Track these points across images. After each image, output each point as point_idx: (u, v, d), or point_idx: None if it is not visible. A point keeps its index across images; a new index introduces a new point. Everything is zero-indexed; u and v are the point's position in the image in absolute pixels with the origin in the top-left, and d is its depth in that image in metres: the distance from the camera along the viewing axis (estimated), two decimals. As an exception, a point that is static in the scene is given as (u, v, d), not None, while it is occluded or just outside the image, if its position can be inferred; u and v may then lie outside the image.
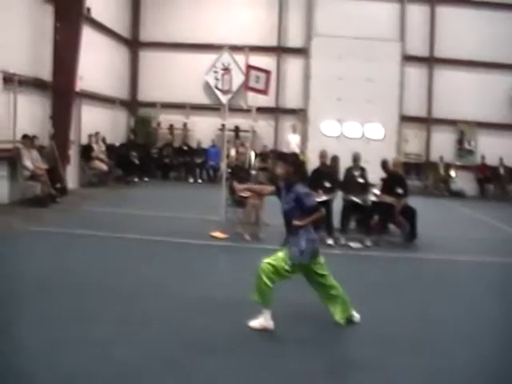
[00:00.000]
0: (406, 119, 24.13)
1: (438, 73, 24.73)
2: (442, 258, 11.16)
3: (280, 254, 6.37)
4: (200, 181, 23.08)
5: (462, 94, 23.94)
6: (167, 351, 5.58)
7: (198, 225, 12.62)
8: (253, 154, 21.43)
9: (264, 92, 14.17)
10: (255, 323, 6.32)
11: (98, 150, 19.58)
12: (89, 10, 18.84)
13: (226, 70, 22.34)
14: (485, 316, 7.42)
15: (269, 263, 6.31)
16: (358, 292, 7.36)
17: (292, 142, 23.28)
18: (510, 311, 7.75)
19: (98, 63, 20.15)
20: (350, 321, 6.65)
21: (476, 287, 9.00)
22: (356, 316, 6.72)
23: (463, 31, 24.05)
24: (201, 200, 17.19)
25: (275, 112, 24.38)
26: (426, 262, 11.00)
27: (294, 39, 24.63)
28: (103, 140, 20.29)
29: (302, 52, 24.45)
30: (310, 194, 6.57)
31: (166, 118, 24.16)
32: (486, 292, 8.73)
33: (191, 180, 23.03)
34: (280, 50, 24.56)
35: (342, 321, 6.60)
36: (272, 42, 24.44)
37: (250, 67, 14.64)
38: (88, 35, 18.03)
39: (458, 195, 23.51)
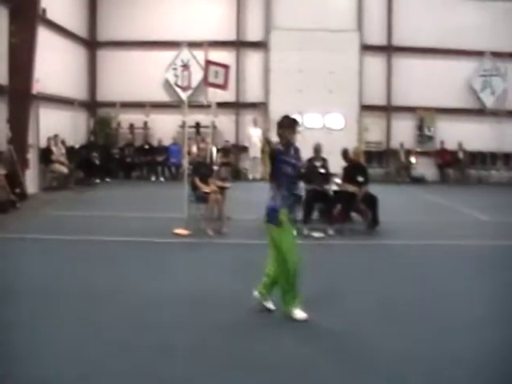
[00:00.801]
0: (366, 108, 24.31)
1: (397, 61, 24.96)
2: (404, 244, 11.32)
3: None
4: (162, 179, 22.95)
5: (421, 82, 24.20)
6: (133, 351, 5.55)
7: (161, 223, 12.57)
8: (214, 150, 21.40)
9: (223, 87, 14.11)
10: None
11: (58, 152, 19.32)
12: (44, 10, 18.58)
13: (185, 66, 22.41)
14: (452, 299, 7.54)
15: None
16: (322, 281, 7.42)
17: (253, 135, 23.34)
18: (475, 292, 7.90)
19: (55, 65, 19.85)
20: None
21: (440, 270, 9.13)
22: (271, 307, 6.73)
23: (420, 19, 24.31)
24: (163, 198, 17.12)
25: (236, 106, 24.35)
26: (389, 247, 11.14)
27: (253, 33, 24.59)
28: (63, 142, 20.03)
29: (262, 45, 24.44)
30: None
31: (126, 118, 23.92)
32: (452, 274, 8.88)
33: (153, 178, 22.90)
34: (239, 44, 24.50)
35: (256, 293, 6.69)
36: (231, 36, 24.38)
37: (208, 62, 14.56)
38: (44, 36, 17.79)
39: (419, 181, 23.84)
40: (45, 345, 5.63)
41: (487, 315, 6.86)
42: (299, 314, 6.43)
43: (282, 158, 6.54)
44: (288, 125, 6.66)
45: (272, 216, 6.48)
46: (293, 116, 6.84)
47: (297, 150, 6.73)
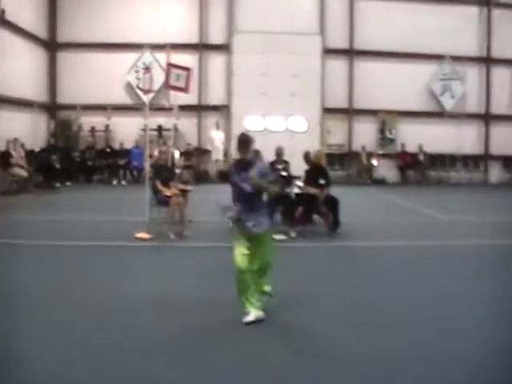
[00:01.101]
0: (328, 111, 24.48)
1: (359, 64, 25.25)
2: (365, 245, 11.42)
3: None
4: (124, 182, 22.79)
5: (383, 85, 24.51)
6: (95, 355, 5.48)
7: (122, 227, 12.44)
8: (177, 153, 21.32)
9: (185, 90, 14.07)
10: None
11: (17, 156, 19.04)
12: (3, 11, 18.34)
13: (147, 69, 22.24)
14: (413, 299, 7.63)
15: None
16: (283, 283, 7.43)
17: (216, 138, 23.33)
18: (435, 291, 7.99)
19: (14, 66, 19.59)
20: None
21: (400, 271, 9.23)
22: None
23: (382, 23, 24.64)
24: (125, 202, 16.97)
25: (198, 109, 24.31)
26: (350, 249, 11.24)
27: (216, 36, 24.62)
28: (22, 145, 19.72)
29: (224, 48, 24.45)
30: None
31: (87, 120, 23.71)
32: (412, 274, 8.98)
33: (115, 182, 22.72)
34: (202, 47, 24.50)
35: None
36: (194, 39, 24.37)
37: (170, 65, 14.52)
38: (3, 37, 17.53)
39: (381, 183, 24.14)
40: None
41: (449, 312, 6.97)
42: (248, 317, 6.48)
43: (233, 180, 6.78)
44: (241, 143, 6.79)
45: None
46: (248, 134, 6.99)
47: (251, 164, 6.72)
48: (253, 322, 6.37)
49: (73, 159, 22.79)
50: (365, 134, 25.16)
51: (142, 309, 6.96)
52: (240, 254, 6.61)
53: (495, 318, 6.83)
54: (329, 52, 24.70)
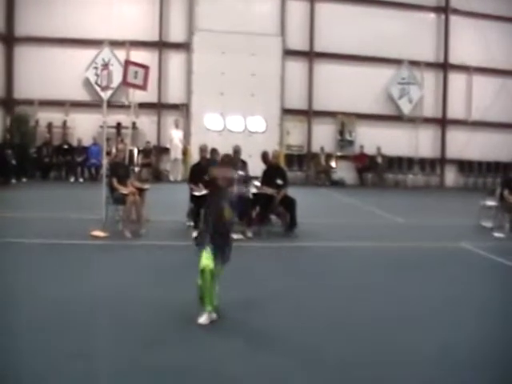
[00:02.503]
0: (287, 112, 24.64)
1: (318, 67, 25.46)
2: (321, 245, 11.51)
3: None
4: (81, 180, 22.50)
5: (342, 87, 24.80)
6: (46, 358, 5.41)
7: (78, 225, 12.29)
8: (136, 151, 21.19)
9: (142, 87, 13.93)
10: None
11: (-29, 151, 18.67)
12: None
13: (106, 65, 22.00)
14: (370, 297, 7.73)
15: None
16: (240, 283, 7.46)
17: (175, 137, 23.25)
18: (390, 290, 8.15)
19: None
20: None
21: (354, 271, 9.34)
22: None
23: (342, 26, 24.92)
24: (82, 199, 16.74)
25: (158, 107, 24.17)
26: (306, 249, 11.32)
27: (176, 34, 24.52)
28: (-24, 141, 19.35)
29: (184, 47, 24.37)
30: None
31: (44, 116, 23.33)
32: (366, 274, 9.11)
33: (72, 179, 22.38)
34: (162, 45, 24.34)
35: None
36: (154, 36, 24.19)
37: (128, 62, 14.37)
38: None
39: (339, 184, 24.38)
40: None
41: (400, 311, 7.09)
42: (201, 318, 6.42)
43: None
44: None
45: None
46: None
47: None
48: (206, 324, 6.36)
49: (29, 155, 22.37)
50: (324, 136, 25.38)
51: (95, 307, 6.89)
52: (205, 255, 6.53)
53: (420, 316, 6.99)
54: (289, 53, 24.86)
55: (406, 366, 5.46)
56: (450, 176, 27.15)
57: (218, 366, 5.35)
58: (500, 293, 8.40)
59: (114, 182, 11.67)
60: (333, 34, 25.01)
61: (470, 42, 26.36)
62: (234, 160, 6.78)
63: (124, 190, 11.52)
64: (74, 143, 23.20)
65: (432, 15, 26.71)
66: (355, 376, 5.21)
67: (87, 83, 23.56)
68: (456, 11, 26.43)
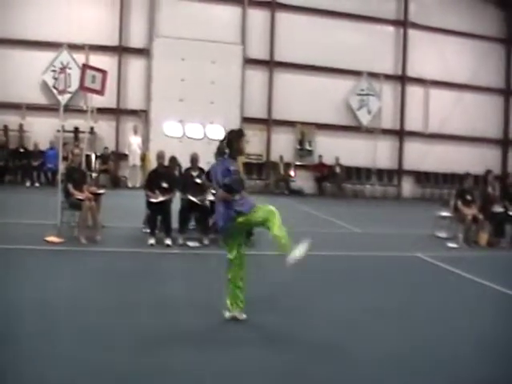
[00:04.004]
0: (247, 120, 24.61)
1: (278, 76, 25.60)
2: (277, 254, 11.47)
3: None
4: (37, 184, 22.08)
5: (302, 97, 25.01)
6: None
7: (32, 230, 12.04)
8: (93, 156, 20.92)
9: (100, 92, 13.75)
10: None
11: None
12: None
13: (63, 69, 21.74)
14: (324, 305, 7.88)
15: None
16: (195, 290, 7.41)
17: (133, 143, 23.09)
18: (345, 300, 8.26)
19: None
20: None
21: (310, 280, 9.40)
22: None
23: (303, 37, 25.16)
24: (37, 204, 16.44)
25: (116, 113, 23.93)
26: (262, 257, 11.24)
27: (136, 39, 24.33)
28: None
29: (144, 52, 24.21)
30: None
31: (0, 119, 22.87)
32: (322, 283, 9.28)
33: (28, 184, 21.94)
34: (121, 50, 24.11)
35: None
36: (113, 41, 23.96)
37: (85, 66, 14.16)
38: None
39: (298, 193, 24.47)
40: None
41: (346, 318, 7.14)
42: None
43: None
44: None
45: None
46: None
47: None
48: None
49: (-17, 159, 21.93)
50: (283, 145, 25.52)
51: (47, 313, 6.77)
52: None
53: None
54: (249, 62, 24.94)
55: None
56: (407, 187, 27.56)
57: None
58: (451, 301, 8.52)
59: (70, 187, 11.51)
60: (293, 43, 25.22)
61: (428, 55, 26.92)
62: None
63: (80, 196, 11.38)
64: (31, 147, 22.78)
65: (391, 28, 27.16)
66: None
67: (45, 86, 23.18)
68: (415, 25, 26.93)
